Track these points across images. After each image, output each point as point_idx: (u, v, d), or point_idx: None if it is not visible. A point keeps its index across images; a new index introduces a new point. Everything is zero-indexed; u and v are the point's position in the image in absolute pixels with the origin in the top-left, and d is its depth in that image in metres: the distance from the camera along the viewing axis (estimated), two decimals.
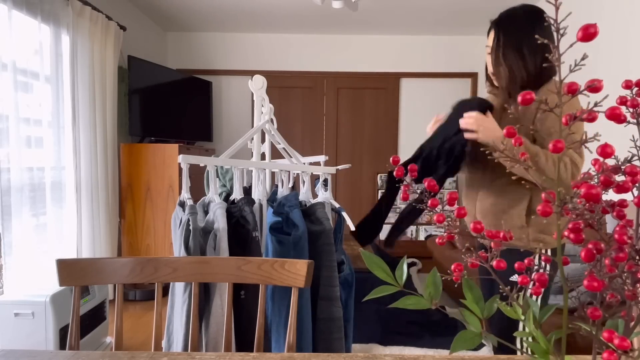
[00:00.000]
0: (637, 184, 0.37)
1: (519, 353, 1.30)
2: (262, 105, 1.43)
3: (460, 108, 1.35)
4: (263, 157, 1.55)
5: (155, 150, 3.23)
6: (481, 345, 2.25)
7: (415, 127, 4.41)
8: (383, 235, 1.46)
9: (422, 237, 4.47)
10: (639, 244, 0.37)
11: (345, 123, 4.49)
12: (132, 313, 2.89)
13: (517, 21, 1.38)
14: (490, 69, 1.43)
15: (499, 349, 1.43)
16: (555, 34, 0.38)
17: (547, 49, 1.27)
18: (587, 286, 0.36)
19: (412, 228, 4.46)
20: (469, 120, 1.24)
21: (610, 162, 0.38)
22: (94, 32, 2.83)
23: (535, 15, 1.36)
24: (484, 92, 4.70)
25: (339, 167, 1.57)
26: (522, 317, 0.48)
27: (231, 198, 1.27)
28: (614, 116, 0.36)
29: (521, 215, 1.32)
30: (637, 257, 0.37)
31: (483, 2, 3.50)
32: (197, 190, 1.30)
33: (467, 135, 1.25)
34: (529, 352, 1.37)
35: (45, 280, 2.31)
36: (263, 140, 1.52)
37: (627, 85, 0.39)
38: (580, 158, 1.23)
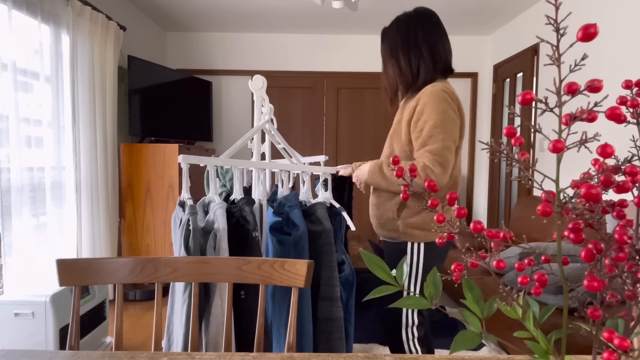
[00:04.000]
0: (637, 184, 0.37)
1: (407, 350, 1.41)
2: (262, 105, 1.43)
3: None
4: (263, 157, 1.55)
5: (155, 150, 3.23)
6: (481, 345, 2.25)
7: None
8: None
9: None
10: (639, 244, 0.37)
11: (345, 123, 4.49)
12: (132, 313, 2.89)
13: (397, 27, 1.45)
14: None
15: (394, 349, 1.49)
16: (555, 33, 0.38)
17: (423, 52, 1.38)
18: (587, 286, 0.36)
19: None
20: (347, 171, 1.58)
21: (610, 162, 0.38)
22: (94, 32, 2.83)
23: (418, 19, 1.42)
24: (484, 91, 4.75)
25: (339, 167, 1.57)
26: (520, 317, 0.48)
27: (231, 198, 1.27)
28: (614, 116, 0.36)
29: (393, 208, 1.42)
30: (637, 257, 0.37)
31: (483, 2, 3.50)
32: (197, 190, 1.30)
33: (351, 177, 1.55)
34: (416, 343, 1.47)
35: (45, 280, 2.31)
36: (263, 140, 1.52)
37: (627, 85, 0.39)
38: (433, 164, 1.30)
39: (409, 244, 1.40)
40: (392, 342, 1.45)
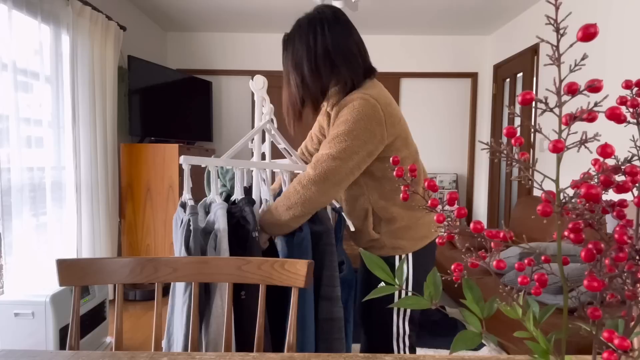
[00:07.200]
0: (637, 184, 0.37)
1: (396, 352, 1.35)
2: (263, 106, 1.43)
3: None
4: (263, 157, 1.55)
5: (155, 150, 3.23)
6: (481, 345, 2.25)
7: (415, 128, 4.41)
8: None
9: None
10: (639, 244, 0.37)
11: None
12: (132, 313, 2.89)
13: (299, 35, 1.25)
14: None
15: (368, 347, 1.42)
16: (555, 33, 0.38)
17: (333, 57, 1.23)
18: (587, 286, 0.36)
19: None
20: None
21: (610, 162, 0.38)
22: (94, 32, 2.83)
23: (323, 21, 1.24)
24: (484, 91, 4.74)
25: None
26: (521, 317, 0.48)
27: (232, 198, 1.27)
28: (614, 116, 0.36)
29: (369, 231, 1.32)
30: (637, 257, 0.37)
31: (483, 2, 3.50)
32: (197, 191, 1.30)
33: (264, 244, 1.25)
34: (406, 352, 1.38)
35: (45, 280, 2.31)
36: (263, 140, 1.52)
37: (627, 85, 0.39)
38: (314, 167, 1.16)
39: (397, 258, 1.31)
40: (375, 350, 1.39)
